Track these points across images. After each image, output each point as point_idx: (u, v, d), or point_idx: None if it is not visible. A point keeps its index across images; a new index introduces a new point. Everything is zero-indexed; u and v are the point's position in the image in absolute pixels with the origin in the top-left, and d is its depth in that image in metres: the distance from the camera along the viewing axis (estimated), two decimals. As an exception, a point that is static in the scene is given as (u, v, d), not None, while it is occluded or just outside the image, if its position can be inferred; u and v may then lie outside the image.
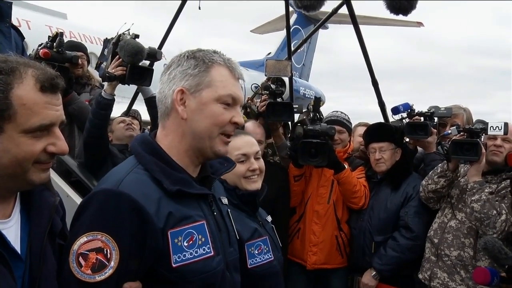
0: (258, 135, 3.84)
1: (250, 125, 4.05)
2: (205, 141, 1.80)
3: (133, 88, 4.37)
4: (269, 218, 2.97)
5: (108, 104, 3.93)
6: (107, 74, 3.96)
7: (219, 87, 1.79)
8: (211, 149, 1.82)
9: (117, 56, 4.02)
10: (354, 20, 4.83)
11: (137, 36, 4.05)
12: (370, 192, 4.16)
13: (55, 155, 1.58)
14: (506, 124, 3.52)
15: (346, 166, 4.10)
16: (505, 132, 3.49)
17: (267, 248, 2.68)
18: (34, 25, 10.51)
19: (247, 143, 2.76)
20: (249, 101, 4.92)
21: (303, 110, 4.42)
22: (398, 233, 3.94)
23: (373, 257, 4.00)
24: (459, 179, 3.74)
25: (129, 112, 5.58)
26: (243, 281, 2.29)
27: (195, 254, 1.73)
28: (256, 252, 2.61)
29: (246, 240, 2.58)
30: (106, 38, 4.41)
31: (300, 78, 19.27)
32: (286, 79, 4.67)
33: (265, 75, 4.54)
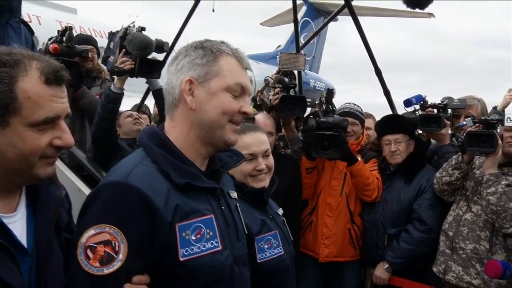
0: (268, 127, 3.82)
1: (261, 117, 4.02)
2: (214, 130, 1.77)
3: (143, 82, 4.35)
4: (280, 211, 2.93)
5: (117, 98, 3.91)
6: (116, 69, 3.94)
7: (227, 76, 1.76)
8: (221, 138, 1.79)
9: (125, 49, 3.99)
10: (351, 9, 4.77)
11: (143, 28, 4.02)
12: (383, 184, 4.12)
13: (61, 149, 1.55)
14: None
15: (359, 158, 4.05)
16: None
17: (277, 243, 2.64)
18: (44, 21, 10.52)
19: (256, 141, 2.71)
20: (258, 94, 4.90)
21: (316, 103, 4.38)
22: (412, 225, 3.90)
23: (386, 250, 3.96)
24: (474, 171, 3.67)
25: (141, 107, 5.58)
26: (253, 276, 2.26)
27: (203, 248, 1.70)
28: (266, 246, 2.57)
29: (255, 234, 2.55)
30: (111, 31, 4.39)
31: (310, 71, 19.19)
32: (295, 72, 4.63)
33: (279, 68, 4.51)
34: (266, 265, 2.56)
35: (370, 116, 5.05)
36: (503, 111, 4.59)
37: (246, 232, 2.09)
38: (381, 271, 3.99)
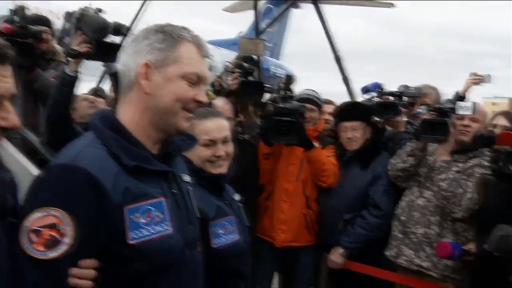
0: (227, 112, 3.80)
1: (219, 102, 4.00)
2: (167, 116, 1.75)
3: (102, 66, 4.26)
4: (236, 197, 2.94)
5: (71, 81, 3.81)
6: (71, 51, 3.83)
7: (185, 64, 1.74)
8: (173, 125, 1.78)
9: (81, 31, 3.89)
10: None
11: (100, 10, 3.92)
12: (340, 170, 4.16)
13: (6, 130, 1.50)
14: (474, 104, 3.57)
15: (316, 144, 4.09)
16: (473, 112, 3.52)
17: (232, 228, 2.65)
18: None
19: (217, 127, 2.70)
20: (217, 79, 4.88)
21: (275, 89, 4.39)
22: (367, 211, 3.97)
23: (342, 235, 4.02)
24: (427, 157, 3.76)
25: (97, 91, 5.46)
26: (208, 261, 2.26)
27: (153, 231, 1.68)
28: (221, 232, 2.58)
29: (210, 219, 2.55)
30: (68, 11, 4.27)
31: (272, 58, 19.17)
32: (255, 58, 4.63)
33: (238, 53, 4.49)
34: (221, 250, 2.56)
35: (331, 102, 5.09)
36: (464, 95, 4.74)
37: (199, 215, 2.09)
38: (336, 256, 4.05)
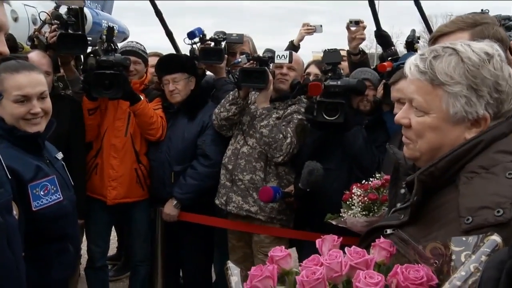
0: (44, 66, 3.55)
1: (35, 55, 3.72)
2: None
3: None
4: (59, 156, 2.80)
5: None
6: None
7: None
8: None
9: None
10: None
11: None
12: (167, 123, 4.14)
13: None
14: (291, 53, 3.73)
15: (142, 98, 4.00)
16: (290, 61, 3.68)
17: (55, 188, 2.53)
18: None
19: (31, 82, 2.50)
20: (36, 32, 4.54)
21: (97, 41, 4.18)
22: (197, 161, 4.02)
23: (174, 187, 4.04)
24: (250, 106, 3.90)
25: None
26: (29, 225, 2.14)
27: None
28: (42, 193, 2.45)
29: (29, 180, 2.41)
30: None
31: (103, 11, 18.24)
32: (86, 11, 4.34)
33: (55, 3, 4.18)
34: (43, 213, 2.46)
35: (158, 55, 4.98)
36: (299, 45, 4.96)
37: (9, 177, 1.95)
38: (170, 208, 4.07)
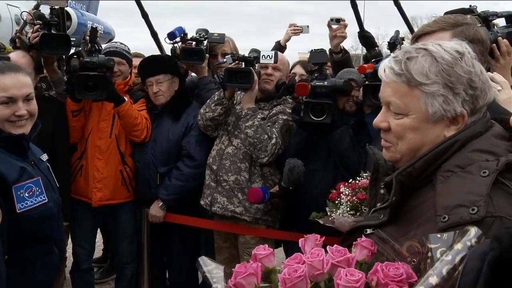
0: (23, 66, 3.53)
1: (16, 55, 3.70)
2: None
3: None
4: (44, 157, 2.80)
5: None
6: None
7: None
8: None
9: None
10: None
11: None
12: (152, 124, 4.14)
13: None
14: (276, 54, 3.76)
15: (126, 99, 3.99)
16: (275, 61, 3.71)
17: (39, 190, 2.52)
18: None
19: (16, 84, 2.49)
20: (17, 33, 4.51)
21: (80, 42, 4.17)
22: (182, 162, 4.03)
23: (159, 188, 4.05)
24: (235, 106, 3.91)
25: None
26: (13, 226, 2.14)
27: None
28: (27, 195, 2.44)
29: (13, 182, 2.40)
30: None
31: (88, 12, 18.14)
32: (71, 12, 4.32)
33: (38, 3, 4.16)
34: (27, 215, 2.43)
35: (141, 56, 4.99)
36: (285, 45, 4.98)
37: None
38: (155, 209, 4.07)
